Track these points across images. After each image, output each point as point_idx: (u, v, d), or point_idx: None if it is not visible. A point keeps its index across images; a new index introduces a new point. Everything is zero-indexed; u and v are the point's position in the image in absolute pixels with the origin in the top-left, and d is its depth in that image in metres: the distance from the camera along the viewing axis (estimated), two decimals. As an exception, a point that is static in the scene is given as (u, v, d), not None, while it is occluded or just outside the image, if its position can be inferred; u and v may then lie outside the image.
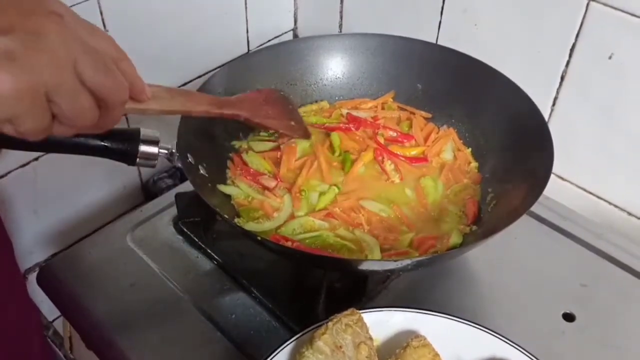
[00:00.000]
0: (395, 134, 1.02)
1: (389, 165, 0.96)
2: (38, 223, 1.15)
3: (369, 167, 0.97)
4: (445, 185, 0.95)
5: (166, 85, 0.69)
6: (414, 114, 1.05)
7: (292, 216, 0.89)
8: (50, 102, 0.49)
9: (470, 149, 1.00)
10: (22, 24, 0.46)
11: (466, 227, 0.89)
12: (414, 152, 0.99)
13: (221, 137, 0.97)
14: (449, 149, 1.00)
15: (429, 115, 1.05)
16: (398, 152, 0.99)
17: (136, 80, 0.60)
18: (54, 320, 1.21)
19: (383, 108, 1.07)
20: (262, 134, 1.02)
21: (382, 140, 1.00)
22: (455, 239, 0.86)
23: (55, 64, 0.48)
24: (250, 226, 0.87)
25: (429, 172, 0.97)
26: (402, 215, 0.90)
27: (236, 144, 0.99)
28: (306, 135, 0.97)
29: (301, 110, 1.06)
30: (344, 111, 1.06)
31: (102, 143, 0.74)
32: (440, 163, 0.98)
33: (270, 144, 1.01)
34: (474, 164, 0.98)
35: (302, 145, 0.99)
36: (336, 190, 0.92)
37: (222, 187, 0.91)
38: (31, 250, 1.16)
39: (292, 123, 0.95)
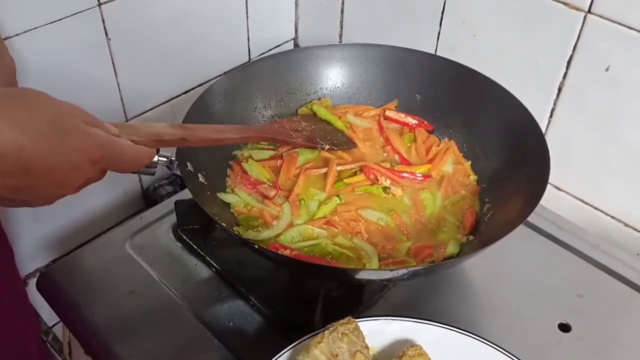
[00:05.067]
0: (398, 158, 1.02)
1: (385, 181, 0.95)
2: (38, 229, 1.15)
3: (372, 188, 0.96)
4: (443, 197, 0.95)
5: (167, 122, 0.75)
6: (420, 124, 1.06)
7: (291, 224, 0.90)
8: None
9: (470, 162, 1.00)
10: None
11: (463, 237, 0.89)
12: (420, 170, 0.98)
13: (221, 146, 0.97)
14: (449, 162, 1.00)
15: (431, 127, 1.05)
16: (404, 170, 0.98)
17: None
18: (53, 326, 1.22)
19: (386, 118, 1.06)
20: (262, 142, 1.03)
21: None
22: (452, 248, 0.87)
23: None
24: (249, 234, 0.88)
25: (429, 186, 0.97)
26: (401, 223, 0.91)
27: (237, 153, 1.00)
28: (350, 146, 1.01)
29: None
30: (351, 117, 1.06)
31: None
32: (440, 176, 0.98)
33: (270, 153, 1.01)
34: (473, 177, 0.98)
35: (304, 155, 1.00)
36: (338, 201, 0.93)
37: (221, 195, 0.92)
38: (32, 255, 1.17)
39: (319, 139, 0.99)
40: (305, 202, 0.93)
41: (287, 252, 0.84)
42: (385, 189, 0.95)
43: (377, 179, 0.96)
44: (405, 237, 0.89)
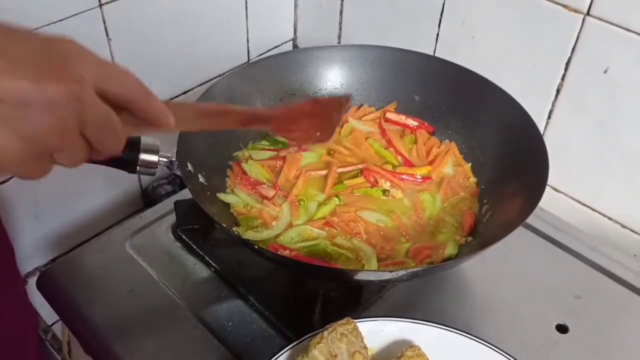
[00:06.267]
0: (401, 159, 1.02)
1: (384, 184, 0.96)
2: (39, 228, 1.15)
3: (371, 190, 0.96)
4: (443, 198, 0.95)
5: (182, 100, 0.69)
6: (420, 126, 1.06)
7: (290, 225, 0.90)
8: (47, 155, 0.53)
9: (470, 164, 1.00)
10: (37, 87, 0.48)
11: (462, 238, 0.89)
12: (420, 172, 0.98)
13: (221, 146, 0.97)
14: (449, 164, 1.00)
15: (432, 129, 1.05)
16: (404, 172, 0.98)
17: (160, 115, 0.60)
18: (53, 324, 1.22)
19: (386, 120, 1.07)
20: (262, 142, 1.03)
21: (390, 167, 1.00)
22: (450, 249, 0.87)
23: (61, 130, 0.51)
24: (249, 235, 0.88)
25: (429, 187, 0.97)
26: (400, 224, 0.91)
27: (238, 154, 1.00)
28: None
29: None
30: (353, 121, 1.06)
31: (103, 151, 0.75)
32: (440, 177, 0.98)
33: (270, 153, 1.01)
34: (473, 179, 0.98)
35: (308, 158, 1.00)
36: (337, 201, 0.93)
37: (221, 196, 0.92)
38: (32, 254, 1.17)
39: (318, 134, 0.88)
40: (304, 202, 0.93)
41: (286, 253, 0.85)
42: (384, 191, 0.95)
43: (376, 182, 0.96)
44: (405, 238, 0.90)
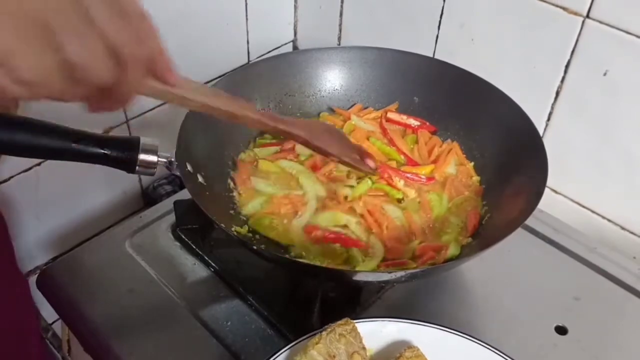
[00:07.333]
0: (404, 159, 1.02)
1: (398, 182, 0.95)
2: (39, 227, 1.16)
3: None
4: (448, 198, 0.95)
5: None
6: (422, 125, 1.06)
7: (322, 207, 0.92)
8: (54, 43, 0.42)
9: (473, 163, 1.00)
10: None
11: (464, 239, 0.89)
12: (423, 171, 0.98)
13: (221, 146, 0.98)
14: (452, 164, 1.00)
15: (433, 129, 1.06)
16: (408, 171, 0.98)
17: (160, 52, 0.49)
18: (53, 323, 1.22)
19: (388, 120, 1.07)
20: (264, 137, 1.04)
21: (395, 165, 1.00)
22: (452, 250, 0.87)
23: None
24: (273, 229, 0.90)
25: (434, 187, 0.96)
26: (411, 221, 0.91)
27: (243, 156, 1.01)
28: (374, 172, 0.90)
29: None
30: (355, 118, 1.06)
31: (102, 151, 0.75)
32: (443, 177, 0.98)
33: (274, 148, 1.02)
34: (476, 178, 0.98)
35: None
36: (369, 182, 0.94)
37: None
38: (32, 253, 1.17)
39: (355, 156, 0.87)
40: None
41: (319, 233, 0.87)
42: (400, 200, 0.94)
43: (391, 178, 0.96)
44: (414, 237, 0.90)
